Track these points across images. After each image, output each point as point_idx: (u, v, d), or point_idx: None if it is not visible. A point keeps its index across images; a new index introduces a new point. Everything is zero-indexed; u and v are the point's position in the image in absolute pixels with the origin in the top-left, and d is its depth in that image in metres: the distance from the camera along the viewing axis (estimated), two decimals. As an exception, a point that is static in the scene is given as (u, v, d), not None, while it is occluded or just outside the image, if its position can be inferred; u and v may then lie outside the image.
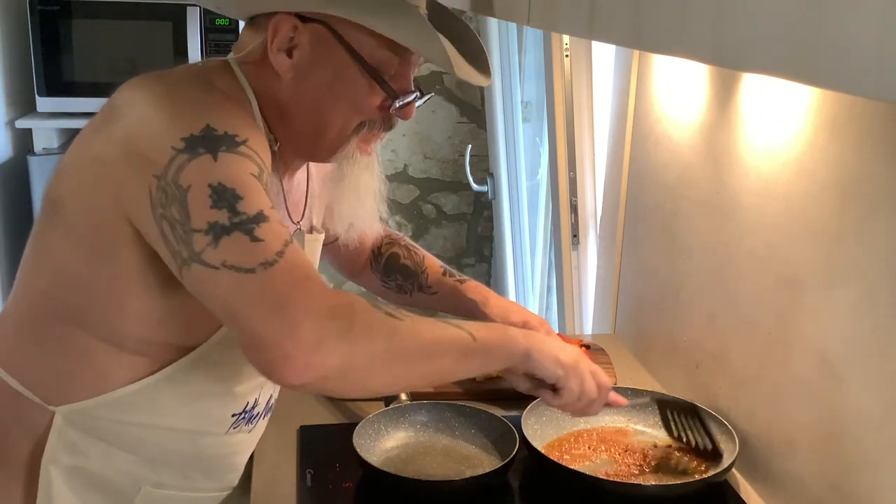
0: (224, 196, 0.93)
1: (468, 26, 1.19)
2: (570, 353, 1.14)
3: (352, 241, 1.33)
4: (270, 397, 1.24)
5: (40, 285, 1.09)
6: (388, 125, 1.16)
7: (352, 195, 1.18)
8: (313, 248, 1.28)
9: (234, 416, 1.17)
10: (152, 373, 1.08)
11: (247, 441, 1.23)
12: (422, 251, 1.54)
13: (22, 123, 2.89)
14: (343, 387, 0.98)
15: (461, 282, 1.50)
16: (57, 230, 1.06)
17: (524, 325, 1.36)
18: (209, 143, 0.95)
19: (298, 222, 1.23)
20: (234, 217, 0.92)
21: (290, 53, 1.07)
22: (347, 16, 1.04)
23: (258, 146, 1.00)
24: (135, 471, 1.13)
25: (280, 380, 0.92)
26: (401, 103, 1.12)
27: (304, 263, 0.95)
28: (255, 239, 0.92)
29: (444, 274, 1.51)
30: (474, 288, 1.49)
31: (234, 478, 1.26)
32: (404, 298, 1.53)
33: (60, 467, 1.10)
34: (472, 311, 1.46)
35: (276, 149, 1.12)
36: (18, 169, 2.90)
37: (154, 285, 1.03)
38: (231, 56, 1.13)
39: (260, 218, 0.93)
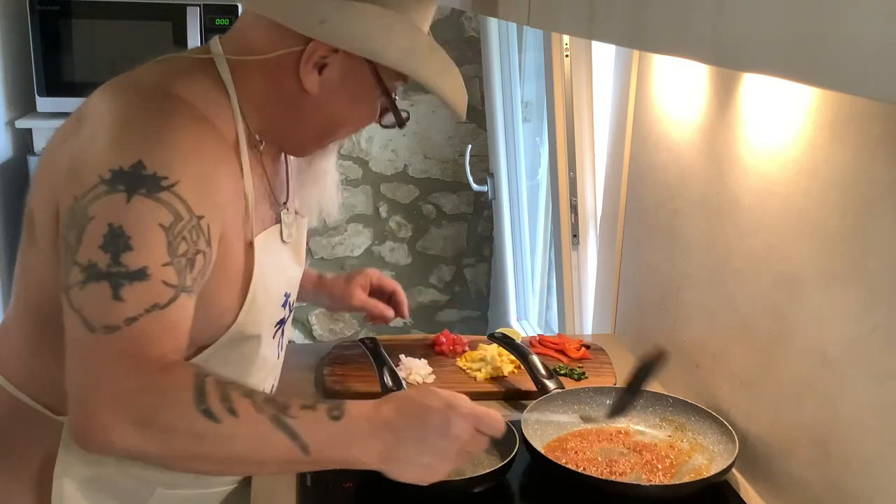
0: (116, 241, 0.92)
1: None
2: (439, 456, 0.98)
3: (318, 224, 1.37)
4: (273, 387, 1.26)
5: (31, 299, 1.10)
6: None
7: (319, 181, 1.23)
8: (301, 233, 1.28)
9: None
10: None
11: None
12: None
13: (22, 123, 2.89)
14: (147, 463, 0.96)
15: None
16: (33, 245, 1.07)
17: (365, 279, 1.53)
18: (131, 181, 0.94)
19: (285, 203, 1.22)
20: (113, 266, 0.91)
21: (320, 70, 1.09)
22: (412, 74, 1.09)
23: (191, 187, 0.97)
24: (148, 474, 1.13)
25: (81, 441, 0.91)
26: (396, 121, 1.17)
27: (148, 336, 0.92)
28: (116, 297, 0.91)
29: None
30: (306, 274, 1.47)
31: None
32: None
33: (74, 478, 1.10)
34: (319, 292, 1.55)
35: (261, 149, 1.13)
36: (18, 169, 2.91)
37: None
38: (217, 50, 1.11)
39: (137, 276, 0.92)
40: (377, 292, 1.59)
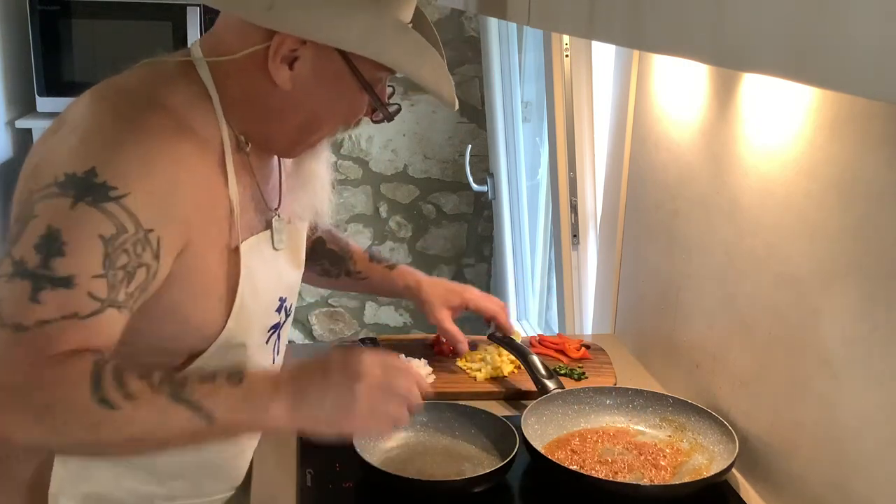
0: (51, 244, 0.91)
1: (434, 31, 1.18)
2: (345, 395, 0.97)
3: (313, 226, 1.35)
4: None
5: None
6: (356, 125, 1.18)
7: (311, 183, 1.20)
8: (298, 237, 1.26)
9: None
10: None
11: (250, 440, 1.24)
12: (343, 235, 1.56)
13: (22, 123, 2.89)
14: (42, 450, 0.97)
15: (391, 267, 1.55)
16: None
17: (461, 301, 1.51)
18: (80, 188, 0.94)
19: (276, 209, 1.20)
20: (40, 268, 0.91)
21: (290, 65, 1.06)
22: (375, 57, 1.04)
23: (143, 200, 0.96)
24: (144, 488, 1.13)
25: None
26: (382, 115, 1.14)
27: (57, 341, 0.90)
28: (34, 298, 0.90)
29: (370, 259, 1.55)
30: (405, 273, 1.54)
31: (240, 476, 1.26)
32: (329, 282, 1.56)
33: (70, 497, 1.09)
34: (407, 297, 1.54)
35: (247, 150, 1.12)
36: (18, 169, 2.90)
37: None
38: (197, 53, 1.10)
39: (62, 282, 0.91)
40: (475, 314, 1.57)
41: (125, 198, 0.95)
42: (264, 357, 1.20)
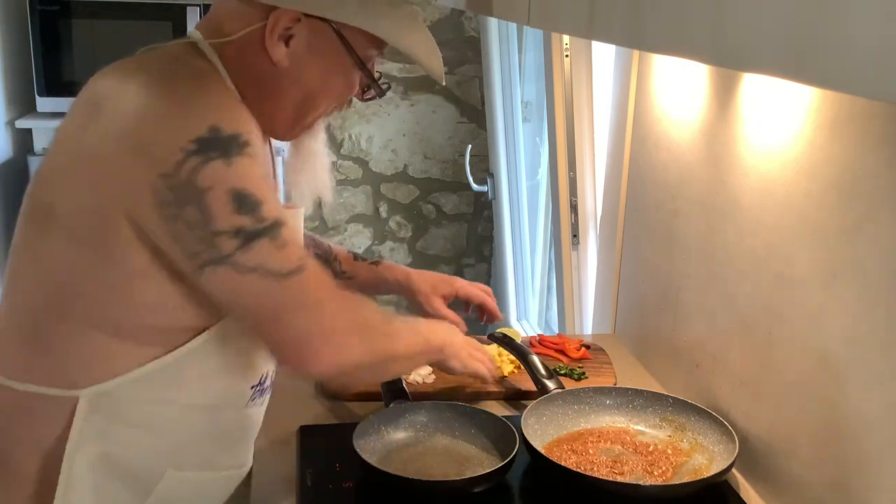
0: (245, 202, 0.98)
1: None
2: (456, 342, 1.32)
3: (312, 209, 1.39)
4: (275, 371, 1.26)
5: (39, 293, 1.08)
6: (349, 105, 1.24)
7: (311, 162, 1.24)
8: (297, 223, 1.28)
9: (252, 388, 1.18)
10: (174, 349, 1.08)
11: (259, 415, 1.25)
12: (325, 240, 1.57)
13: (22, 123, 2.89)
14: (351, 379, 1.14)
15: (375, 263, 1.56)
16: (52, 236, 1.05)
17: (451, 288, 1.56)
18: (219, 145, 0.98)
19: None
20: (259, 223, 0.99)
21: (286, 43, 1.09)
22: (368, 27, 1.10)
23: (257, 139, 1.04)
24: (159, 454, 1.13)
25: (307, 372, 1.07)
26: (374, 92, 1.19)
27: (314, 266, 1.06)
28: (281, 245, 1.01)
29: (355, 259, 1.56)
30: (391, 268, 1.56)
31: (248, 454, 1.26)
32: None
33: (85, 456, 1.08)
34: (397, 291, 1.57)
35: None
36: (18, 169, 2.91)
37: (163, 278, 1.04)
38: (197, 36, 1.12)
39: (280, 223, 1.01)
40: (462, 303, 1.59)
41: (250, 138, 1.02)
42: None
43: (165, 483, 1.14)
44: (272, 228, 1.00)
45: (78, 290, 1.05)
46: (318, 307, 1.05)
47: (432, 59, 1.17)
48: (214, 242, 0.97)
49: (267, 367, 1.21)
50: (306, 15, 1.09)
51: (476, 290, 1.60)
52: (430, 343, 1.27)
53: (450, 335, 1.32)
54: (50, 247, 1.06)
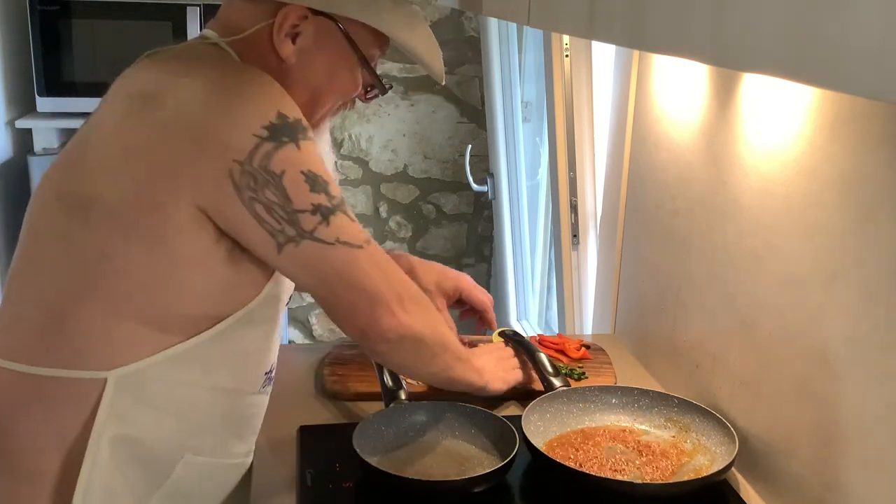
0: (317, 181, 1.05)
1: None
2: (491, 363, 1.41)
3: None
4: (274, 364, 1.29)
5: (67, 281, 1.08)
6: (352, 105, 1.29)
7: None
8: None
9: (265, 374, 1.22)
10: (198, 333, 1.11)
11: (265, 403, 1.27)
12: None
13: (22, 123, 2.89)
14: (409, 350, 1.17)
15: None
16: (91, 225, 1.06)
17: (455, 289, 1.55)
18: (288, 130, 1.04)
19: None
20: (331, 200, 1.06)
21: (293, 39, 1.14)
22: (374, 24, 1.15)
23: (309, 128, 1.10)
24: (178, 437, 1.14)
25: (378, 334, 1.11)
26: (376, 91, 1.25)
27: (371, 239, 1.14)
28: (353, 219, 1.09)
29: None
30: (397, 257, 1.53)
31: (253, 443, 1.28)
32: None
33: (109, 439, 1.08)
34: None
35: None
36: (18, 169, 2.90)
37: (213, 264, 1.07)
38: (213, 34, 1.16)
39: (344, 200, 1.09)
40: (464, 303, 1.58)
41: (307, 125, 1.08)
42: (280, 327, 1.26)
43: (181, 469, 1.15)
44: (342, 204, 1.08)
45: (115, 278, 1.06)
46: (390, 273, 1.12)
47: (434, 58, 1.21)
48: (296, 220, 1.04)
49: (275, 356, 1.24)
50: (313, 12, 1.13)
51: (481, 297, 1.59)
52: (472, 362, 1.33)
53: (481, 359, 1.38)
54: (87, 235, 1.07)
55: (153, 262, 1.06)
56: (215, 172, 1.02)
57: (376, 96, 1.25)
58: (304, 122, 1.07)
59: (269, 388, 1.26)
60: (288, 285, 1.20)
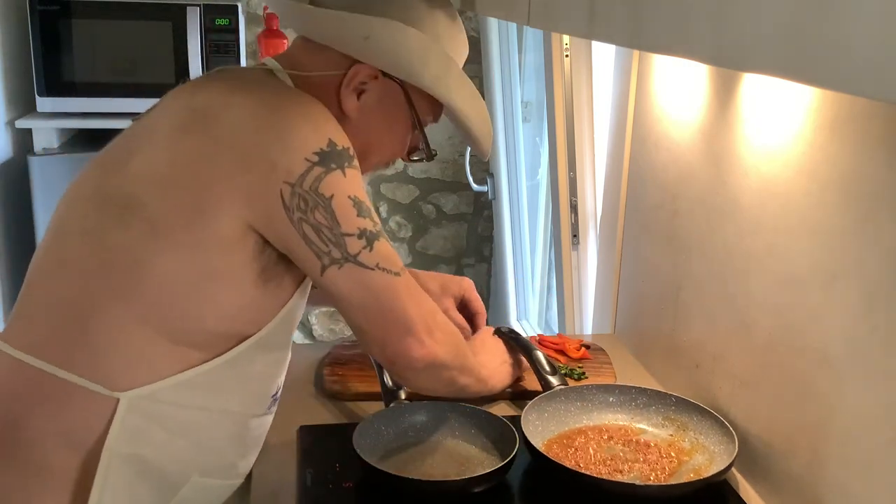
0: (362, 207, 1.09)
1: None
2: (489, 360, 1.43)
3: None
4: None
5: (95, 280, 1.07)
6: (390, 165, 1.36)
7: None
8: None
9: (272, 396, 1.22)
10: (216, 356, 1.11)
11: (269, 424, 1.27)
12: None
13: (22, 123, 2.89)
14: (432, 377, 1.19)
15: None
16: (129, 227, 1.06)
17: (460, 289, 1.57)
18: (336, 158, 1.07)
19: None
20: (375, 227, 1.10)
21: (358, 95, 1.19)
22: (443, 98, 1.20)
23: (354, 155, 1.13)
24: (187, 458, 1.14)
25: (407, 364, 1.13)
26: (422, 155, 1.30)
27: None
28: (391, 246, 1.12)
29: None
30: None
31: (255, 456, 1.27)
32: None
33: (121, 455, 1.08)
34: None
35: None
36: (18, 169, 2.90)
37: (245, 280, 1.09)
38: (274, 64, 1.19)
39: (382, 229, 1.12)
40: (461, 306, 1.59)
41: (354, 154, 1.11)
42: (289, 353, 1.27)
43: (187, 489, 1.15)
44: (382, 231, 1.11)
45: (144, 283, 1.06)
46: (422, 301, 1.15)
47: (486, 138, 1.28)
48: (343, 243, 1.07)
49: (283, 380, 1.25)
50: (384, 74, 1.18)
51: (480, 303, 1.60)
52: (487, 382, 1.36)
53: (489, 367, 1.40)
54: (120, 238, 1.07)
55: (185, 271, 1.06)
56: (266, 191, 1.05)
57: (420, 160, 1.29)
58: (352, 150, 1.10)
59: (275, 408, 1.26)
60: (300, 314, 1.22)
